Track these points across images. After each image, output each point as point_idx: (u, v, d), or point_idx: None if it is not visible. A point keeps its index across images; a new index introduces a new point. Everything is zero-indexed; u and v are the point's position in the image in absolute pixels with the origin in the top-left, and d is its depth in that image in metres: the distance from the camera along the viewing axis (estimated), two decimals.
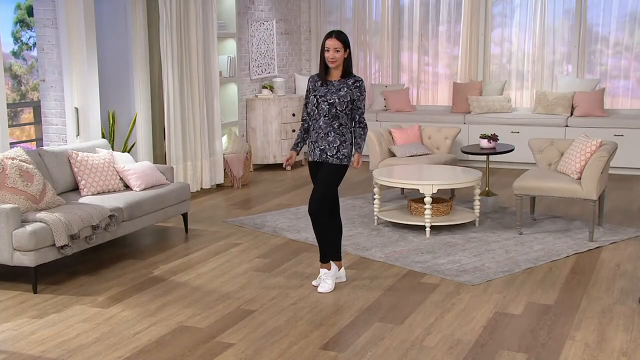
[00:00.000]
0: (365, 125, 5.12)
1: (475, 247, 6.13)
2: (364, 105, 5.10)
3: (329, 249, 5.17)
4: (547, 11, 9.97)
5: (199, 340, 4.32)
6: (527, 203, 7.17)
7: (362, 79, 5.09)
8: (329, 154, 5.06)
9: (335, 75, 5.06)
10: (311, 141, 5.14)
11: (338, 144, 5.05)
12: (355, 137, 5.10)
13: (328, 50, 4.96)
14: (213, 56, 8.41)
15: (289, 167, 5.03)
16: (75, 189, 6.20)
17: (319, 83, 5.08)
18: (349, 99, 5.01)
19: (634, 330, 4.39)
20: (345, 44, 4.98)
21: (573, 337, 4.30)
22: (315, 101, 5.07)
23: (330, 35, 4.99)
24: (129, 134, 7.73)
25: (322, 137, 5.06)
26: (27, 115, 9.17)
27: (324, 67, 5.03)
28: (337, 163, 5.06)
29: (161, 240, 6.54)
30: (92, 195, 6.08)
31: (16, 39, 9.90)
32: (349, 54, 5.02)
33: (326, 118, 5.04)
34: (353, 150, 5.11)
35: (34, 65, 9.43)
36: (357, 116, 5.08)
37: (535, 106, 9.87)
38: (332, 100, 5.00)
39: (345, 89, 5.01)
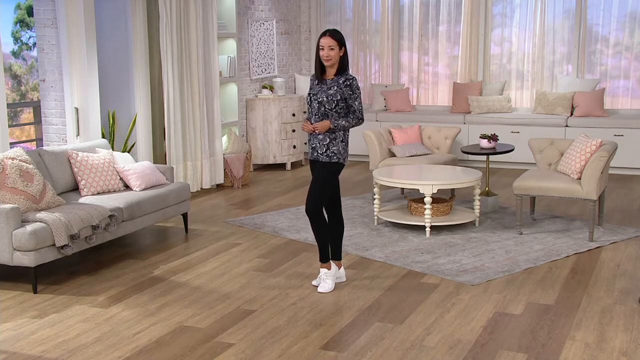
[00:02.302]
0: (360, 118, 5.02)
1: (475, 247, 6.13)
2: (359, 104, 5.00)
3: (329, 248, 5.17)
4: (547, 11, 9.96)
5: (199, 340, 4.32)
6: (527, 203, 7.17)
7: (353, 77, 5.00)
8: (319, 152, 5.06)
9: (331, 73, 5.04)
10: (308, 140, 5.16)
11: (327, 141, 5.03)
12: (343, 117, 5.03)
13: (322, 49, 4.95)
14: (213, 56, 8.41)
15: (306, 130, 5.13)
16: (75, 189, 6.21)
17: (316, 82, 5.09)
18: (338, 97, 4.97)
19: (634, 330, 4.39)
20: (340, 42, 4.96)
21: (573, 337, 4.30)
22: (308, 99, 5.10)
23: (324, 33, 4.97)
24: (129, 134, 7.73)
25: (314, 135, 5.07)
26: (27, 115, 9.18)
27: (320, 66, 5.04)
28: (327, 161, 5.04)
29: (161, 240, 6.54)
30: (92, 195, 6.08)
31: (16, 39, 9.92)
32: (345, 52, 5.01)
33: (316, 117, 5.04)
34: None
35: (34, 65, 9.43)
36: (352, 114, 5.03)
37: (535, 106, 9.86)
38: (320, 99, 5.00)
39: (335, 88, 4.98)
